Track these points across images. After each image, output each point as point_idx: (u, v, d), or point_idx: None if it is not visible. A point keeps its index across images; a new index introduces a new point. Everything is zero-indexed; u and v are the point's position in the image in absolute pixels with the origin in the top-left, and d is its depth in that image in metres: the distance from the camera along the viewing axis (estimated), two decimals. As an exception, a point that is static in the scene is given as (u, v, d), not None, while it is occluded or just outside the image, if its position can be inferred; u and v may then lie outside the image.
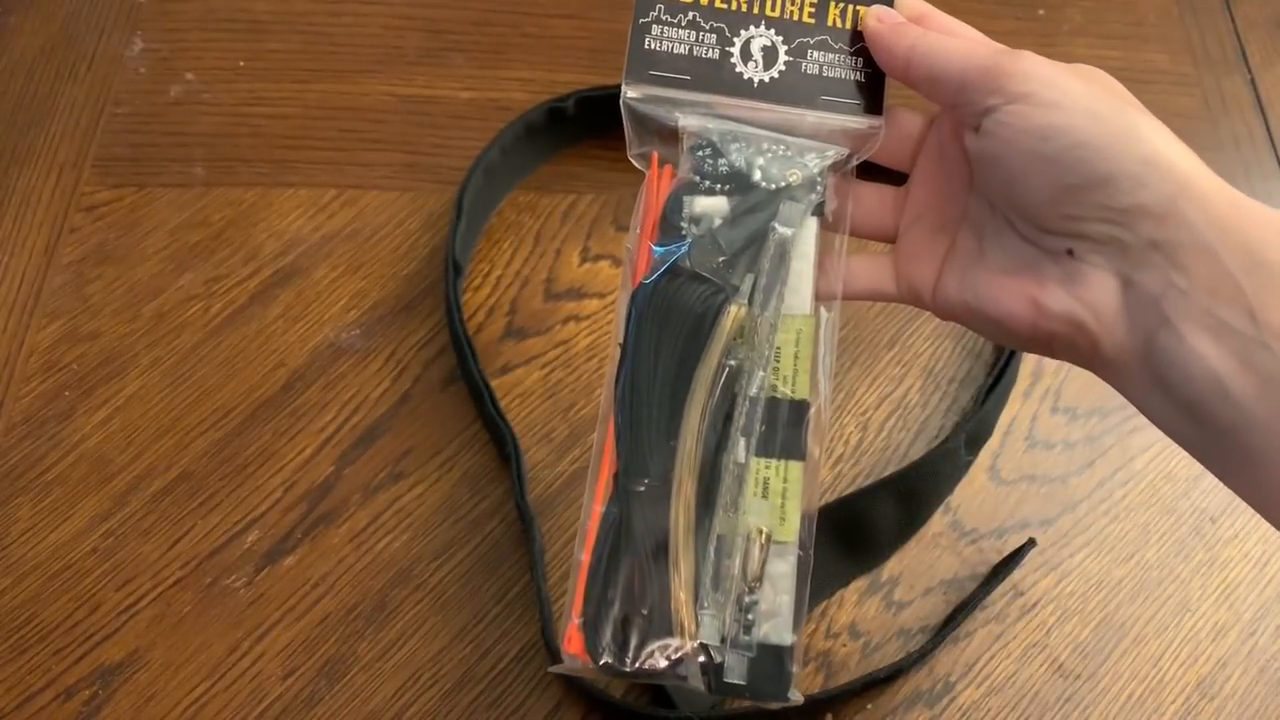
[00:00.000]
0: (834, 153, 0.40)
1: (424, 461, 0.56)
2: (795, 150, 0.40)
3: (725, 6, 0.40)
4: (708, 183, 0.40)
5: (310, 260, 0.62)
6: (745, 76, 0.40)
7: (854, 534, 0.53)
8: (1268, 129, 0.68)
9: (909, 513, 0.54)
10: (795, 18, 0.40)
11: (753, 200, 0.39)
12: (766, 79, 0.40)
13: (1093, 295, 0.35)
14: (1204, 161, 0.34)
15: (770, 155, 0.40)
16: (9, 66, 0.68)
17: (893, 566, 0.54)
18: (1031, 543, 0.53)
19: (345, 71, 0.69)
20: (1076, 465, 0.57)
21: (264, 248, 0.62)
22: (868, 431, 0.58)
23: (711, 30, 0.40)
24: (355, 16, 0.71)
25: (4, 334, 0.59)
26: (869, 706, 0.51)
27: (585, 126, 0.65)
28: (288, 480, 0.55)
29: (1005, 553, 0.54)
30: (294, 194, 0.64)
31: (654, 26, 0.40)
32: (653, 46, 0.40)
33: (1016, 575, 0.53)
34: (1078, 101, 0.34)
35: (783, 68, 0.40)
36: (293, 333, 0.59)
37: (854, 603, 0.53)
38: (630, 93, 0.40)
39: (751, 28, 0.40)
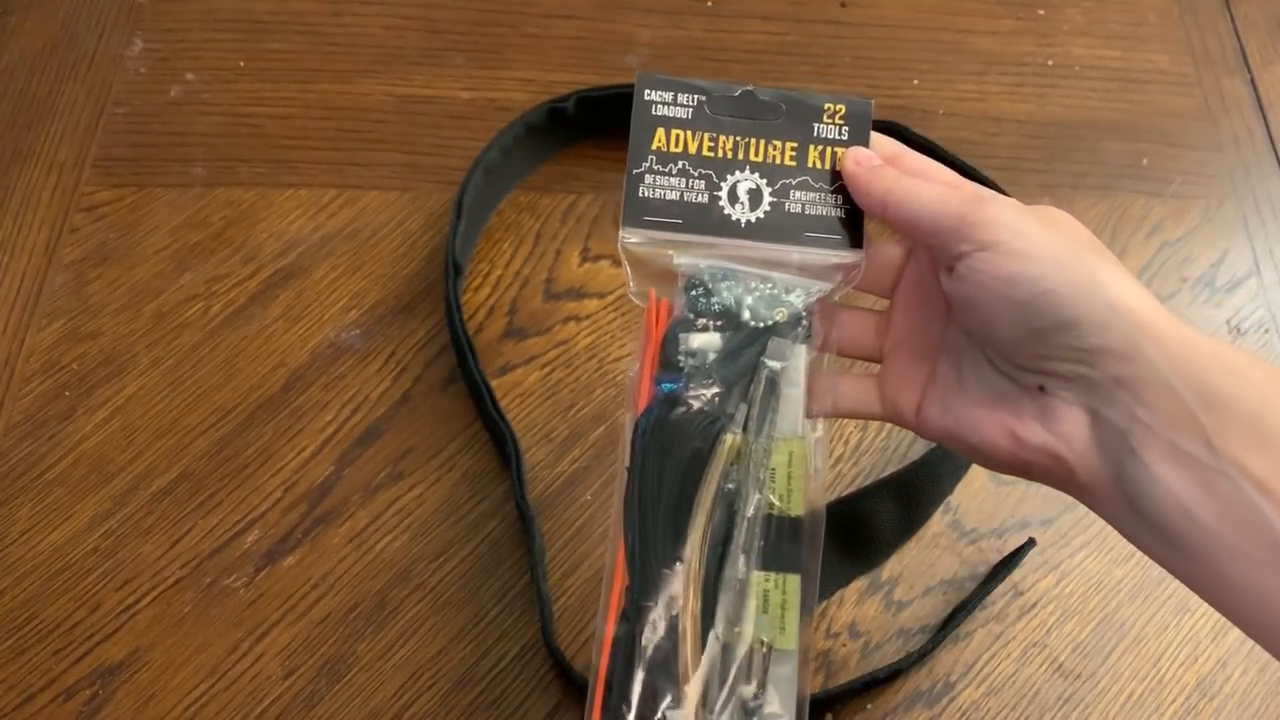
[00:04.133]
0: (818, 289, 0.42)
1: (424, 461, 0.56)
2: (782, 287, 0.42)
3: (712, 154, 0.42)
4: (702, 320, 0.42)
5: (310, 260, 0.62)
6: (733, 218, 0.42)
7: (854, 534, 0.53)
8: (1268, 129, 0.68)
9: (909, 513, 0.54)
10: (778, 161, 0.42)
11: (743, 336, 0.41)
12: (753, 219, 0.42)
13: (1066, 429, 0.37)
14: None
15: (758, 294, 0.42)
16: (9, 66, 0.68)
17: (893, 566, 0.54)
18: (1031, 543, 0.53)
19: (345, 71, 0.69)
20: (1076, 465, 0.57)
21: (264, 248, 0.62)
22: (868, 431, 0.58)
23: (700, 177, 0.42)
24: (355, 16, 0.71)
25: (4, 334, 0.59)
26: (869, 706, 0.51)
27: (585, 126, 0.65)
28: (288, 480, 0.55)
29: (1005, 553, 0.54)
30: (294, 194, 0.64)
31: (647, 175, 0.42)
32: (646, 194, 0.42)
33: (1016, 575, 0.54)
34: (1043, 250, 0.36)
35: (768, 208, 0.42)
36: (293, 333, 0.59)
37: (854, 603, 0.53)
38: (627, 237, 0.42)
39: (737, 173, 0.42)
